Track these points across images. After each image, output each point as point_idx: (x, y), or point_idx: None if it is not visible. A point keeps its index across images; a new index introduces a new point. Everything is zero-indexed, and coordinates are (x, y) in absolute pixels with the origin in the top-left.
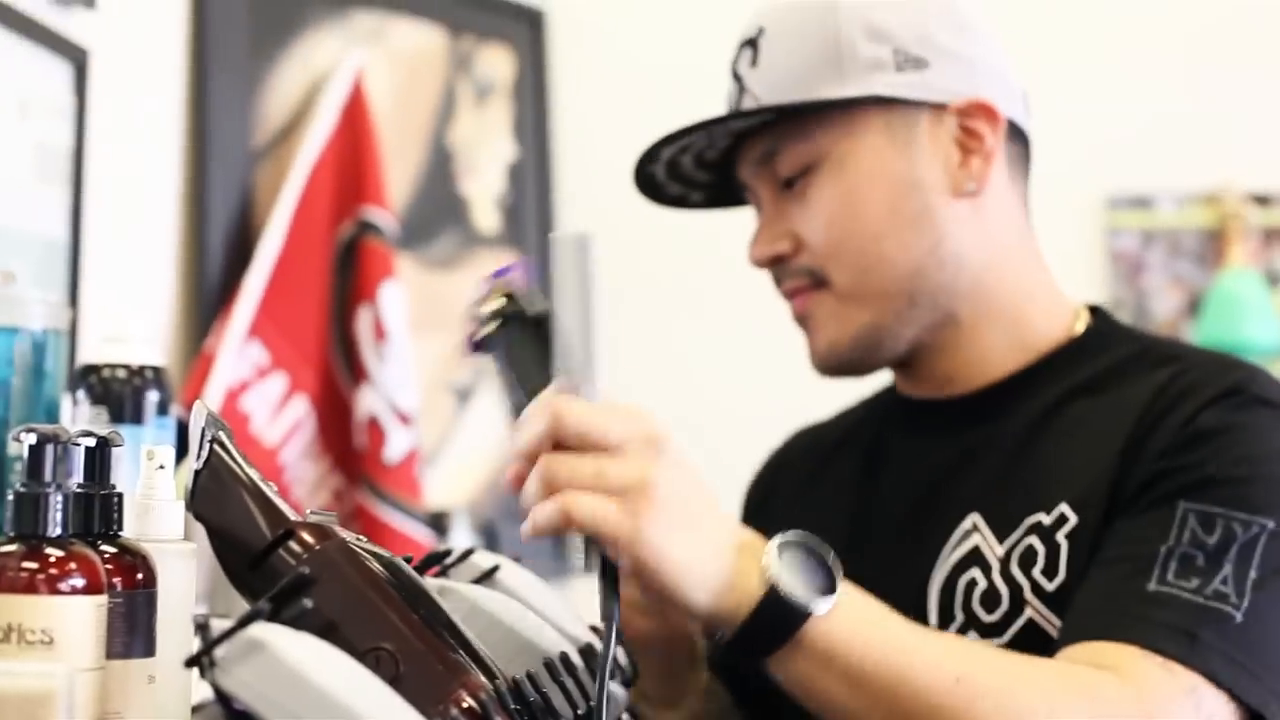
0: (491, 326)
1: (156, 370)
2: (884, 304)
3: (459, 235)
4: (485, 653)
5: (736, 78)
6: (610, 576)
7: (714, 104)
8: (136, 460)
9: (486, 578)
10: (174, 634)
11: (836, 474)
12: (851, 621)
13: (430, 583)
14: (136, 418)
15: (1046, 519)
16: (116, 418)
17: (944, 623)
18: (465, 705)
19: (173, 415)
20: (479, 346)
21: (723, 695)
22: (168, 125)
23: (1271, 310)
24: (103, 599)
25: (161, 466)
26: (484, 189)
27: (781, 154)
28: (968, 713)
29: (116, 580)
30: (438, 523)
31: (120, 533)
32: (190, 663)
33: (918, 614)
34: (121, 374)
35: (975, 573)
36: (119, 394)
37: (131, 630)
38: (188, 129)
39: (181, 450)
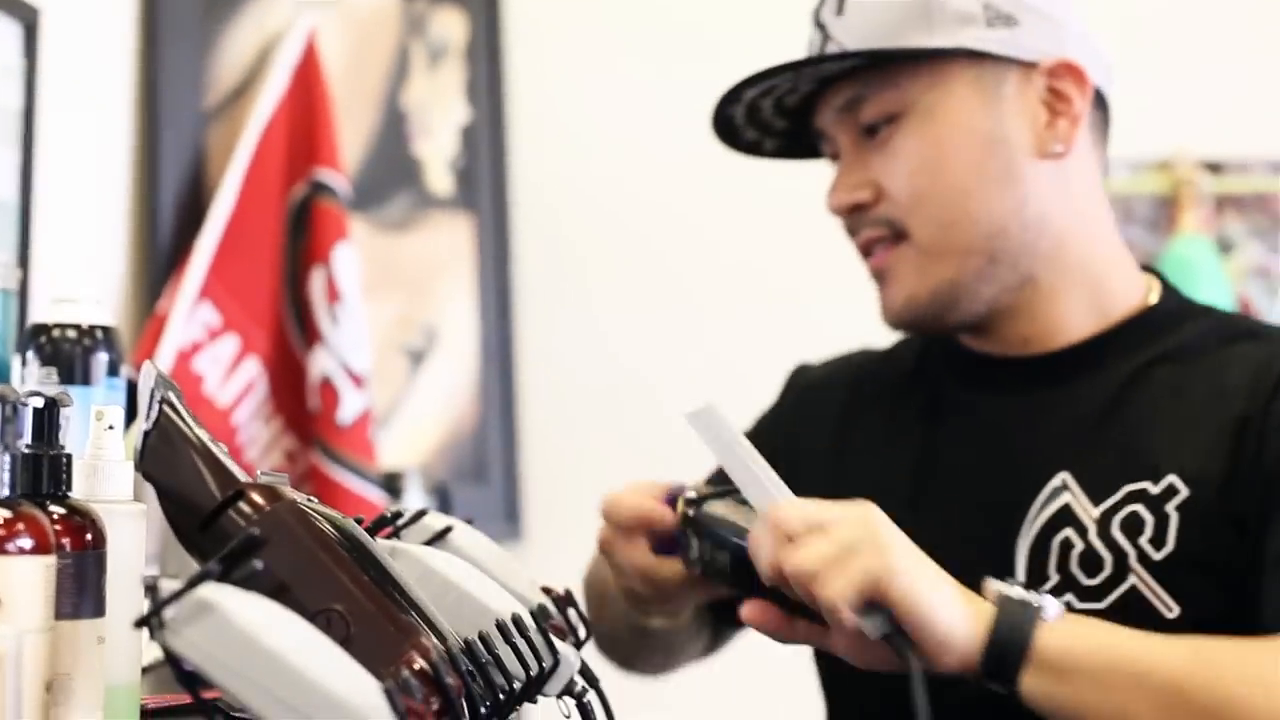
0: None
1: (106, 331)
2: (965, 261)
3: (412, 197)
4: (437, 614)
5: (820, 25)
6: (896, 631)
7: (672, 66)
8: (86, 421)
9: (438, 539)
10: (124, 595)
11: (892, 418)
12: (1073, 623)
13: (382, 544)
14: (86, 378)
15: (1153, 488)
16: (66, 378)
17: (1035, 582)
18: (417, 666)
19: (123, 376)
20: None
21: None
22: (119, 86)
23: (1223, 277)
24: (51, 560)
25: (111, 427)
26: (437, 151)
27: (867, 101)
28: (1219, 682)
29: (65, 541)
30: (391, 484)
31: (69, 493)
32: (140, 624)
33: (1002, 570)
34: (71, 334)
35: (1070, 533)
36: (69, 354)
37: (81, 591)
38: (139, 90)
39: (132, 411)
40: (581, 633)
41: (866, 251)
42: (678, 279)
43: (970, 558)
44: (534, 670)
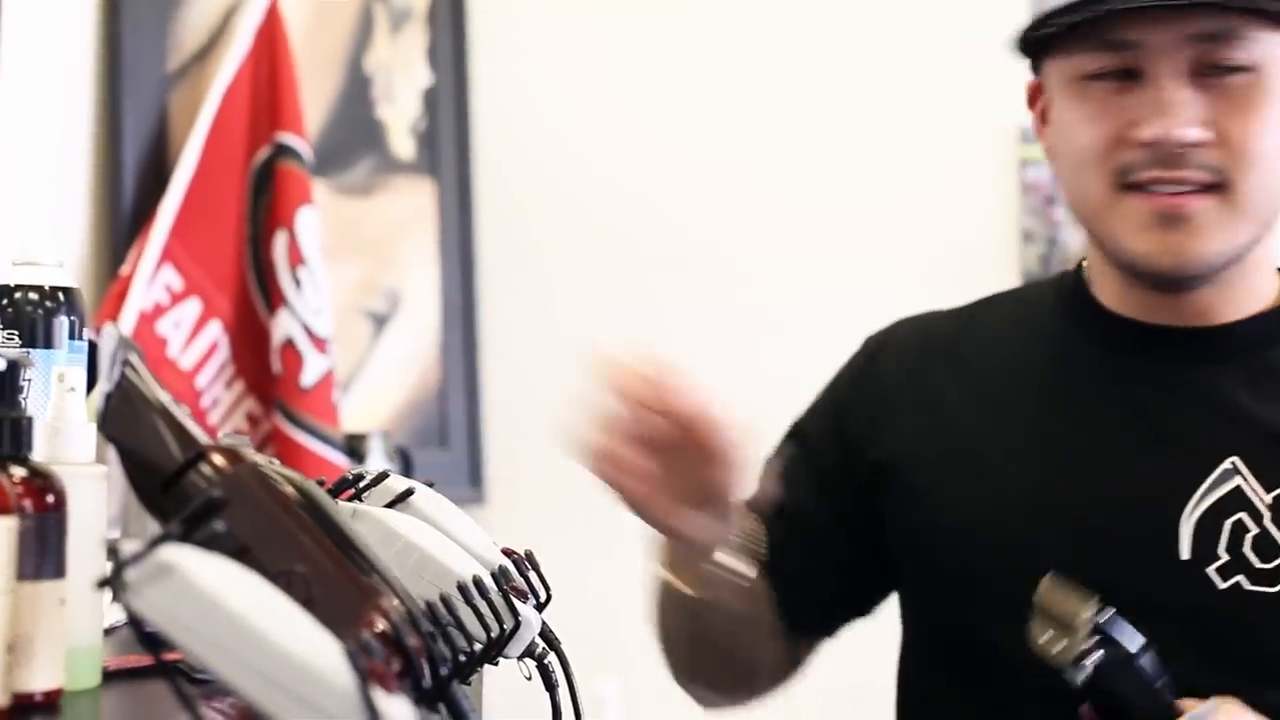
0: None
1: (69, 293)
2: (1257, 229)
3: (374, 161)
4: (398, 576)
5: None
6: None
7: (635, 32)
8: (48, 383)
9: (400, 501)
10: (86, 557)
11: (1011, 379)
12: None
13: (343, 506)
14: (48, 341)
15: None
16: (28, 341)
17: (1203, 560)
18: (378, 628)
19: (85, 339)
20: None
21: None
22: (82, 49)
23: None
24: (12, 521)
25: (73, 389)
26: (400, 115)
27: (1233, 42)
28: None
29: (26, 503)
30: (353, 447)
31: (31, 455)
32: (101, 585)
33: (1164, 545)
34: (33, 297)
35: (1243, 516)
36: (30, 317)
37: (42, 553)
38: (102, 52)
39: (94, 374)
40: (542, 594)
41: (1142, 186)
42: (639, 244)
43: (1127, 529)
44: (495, 632)
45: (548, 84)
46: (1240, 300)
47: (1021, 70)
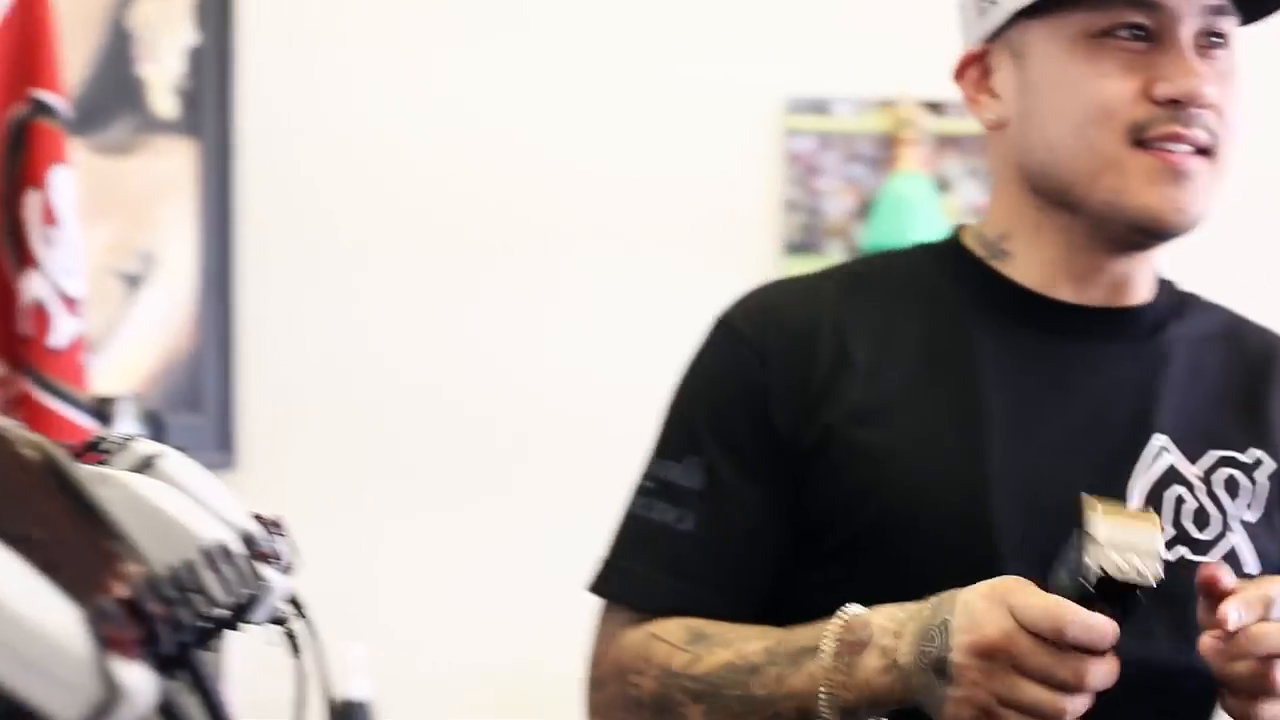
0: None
1: None
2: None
3: (134, 120)
4: (142, 542)
5: None
6: None
7: None
8: None
9: (148, 466)
10: None
11: (927, 355)
12: None
13: (89, 471)
14: None
15: (1242, 457)
16: None
17: None
18: (118, 594)
19: None
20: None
21: None
22: None
23: (940, 214)
24: None
25: None
26: (162, 73)
27: (1229, 18)
28: None
29: None
30: (102, 411)
31: None
32: None
33: None
34: None
35: (1181, 490)
36: None
37: None
38: None
39: None
40: (289, 560)
41: (1151, 144)
42: (404, 211)
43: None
44: (239, 598)
45: (316, 48)
46: (1146, 280)
47: (789, 42)
